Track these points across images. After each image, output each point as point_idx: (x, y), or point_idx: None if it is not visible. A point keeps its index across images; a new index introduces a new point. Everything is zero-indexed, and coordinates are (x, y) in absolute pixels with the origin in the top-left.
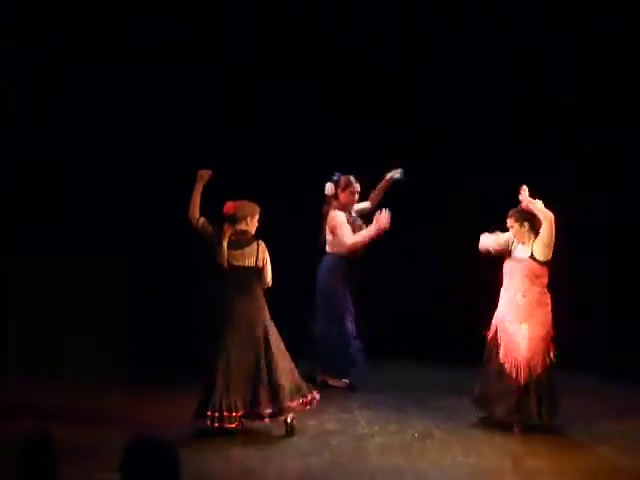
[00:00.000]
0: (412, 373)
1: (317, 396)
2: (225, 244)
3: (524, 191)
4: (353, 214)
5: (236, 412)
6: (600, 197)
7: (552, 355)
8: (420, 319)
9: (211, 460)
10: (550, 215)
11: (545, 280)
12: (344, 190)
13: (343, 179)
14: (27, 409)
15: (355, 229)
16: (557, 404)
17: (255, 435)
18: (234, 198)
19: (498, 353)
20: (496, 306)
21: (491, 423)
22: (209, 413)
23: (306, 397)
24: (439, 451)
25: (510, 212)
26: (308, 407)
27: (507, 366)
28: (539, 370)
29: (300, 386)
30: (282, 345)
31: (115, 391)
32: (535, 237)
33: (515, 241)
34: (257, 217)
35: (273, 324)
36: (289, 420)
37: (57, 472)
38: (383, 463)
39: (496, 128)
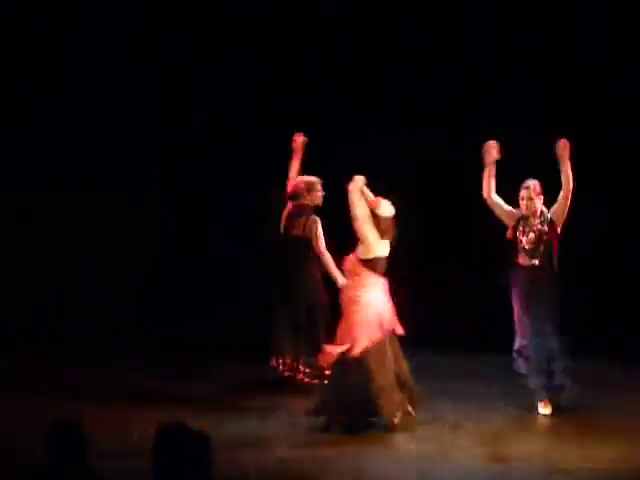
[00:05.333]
0: (441, 361)
1: None
2: (284, 216)
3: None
4: None
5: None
6: None
7: None
8: (449, 306)
9: (242, 448)
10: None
11: None
12: None
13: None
14: (60, 391)
15: None
16: None
17: (285, 426)
18: None
19: None
20: None
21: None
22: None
23: None
24: (469, 440)
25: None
26: None
27: None
28: None
29: None
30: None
31: (146, 371)
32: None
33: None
34: (317, 188)
35: (317, 295)
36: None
37: (87, 457)
38: (413, 450)
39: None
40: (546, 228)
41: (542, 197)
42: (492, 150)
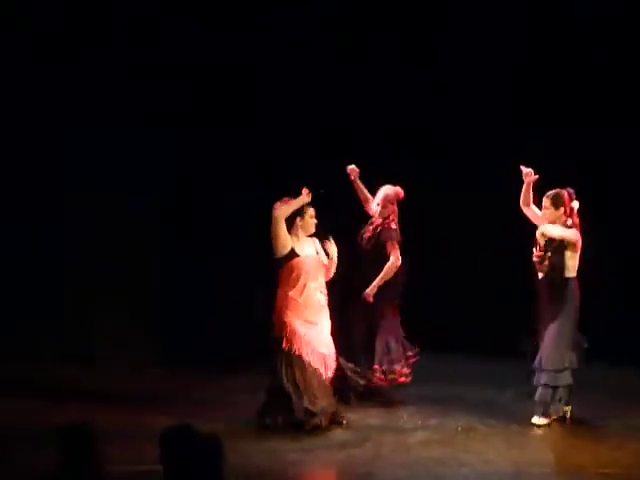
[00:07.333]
0: (453, 366)
1: None
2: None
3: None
4: None
5: None
6: None
7: None
8: (461, 311)
9: (254, 452)
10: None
11: None
12: None
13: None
14: (68, 396)
15: None
16: None
17: (296, 428)
18: None
19: None
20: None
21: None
22: None
23: None
24: (482, 444)
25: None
26: None
27: None
28: None
29: None
30: None
31: (155, 376)
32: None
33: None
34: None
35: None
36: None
37: (99, 461)
38: (425, 455)
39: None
40: (542, 242)
41: (562, 208)
42: (527, 176)
